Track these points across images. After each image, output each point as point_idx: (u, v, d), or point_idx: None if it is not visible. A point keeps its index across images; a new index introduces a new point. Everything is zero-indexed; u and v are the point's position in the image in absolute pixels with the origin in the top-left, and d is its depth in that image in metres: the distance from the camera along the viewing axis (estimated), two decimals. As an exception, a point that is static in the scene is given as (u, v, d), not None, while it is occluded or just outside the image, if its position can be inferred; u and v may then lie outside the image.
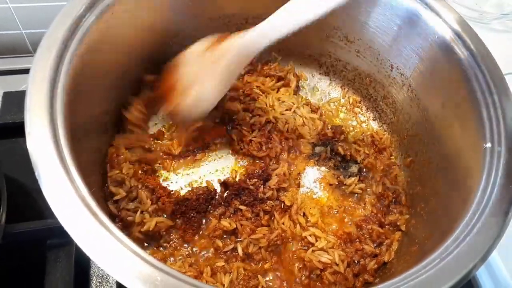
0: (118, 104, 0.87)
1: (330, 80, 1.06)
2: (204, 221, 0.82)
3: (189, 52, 0.85)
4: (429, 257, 0.56)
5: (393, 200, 0.88)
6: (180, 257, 0.79)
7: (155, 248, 0.79)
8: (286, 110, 0.95)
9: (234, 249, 0.79)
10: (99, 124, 0.82)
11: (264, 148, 0.90)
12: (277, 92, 1.00)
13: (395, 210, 0.87)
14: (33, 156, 0.57)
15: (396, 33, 0.84)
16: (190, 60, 0.84)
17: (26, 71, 1.12)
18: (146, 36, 0.86)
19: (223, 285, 0.75)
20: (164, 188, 0.83)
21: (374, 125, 1.01)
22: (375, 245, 0.82)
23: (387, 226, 0.85)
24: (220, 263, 0.77)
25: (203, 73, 0.82)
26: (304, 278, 0.80)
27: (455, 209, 0.65)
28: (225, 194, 0.86)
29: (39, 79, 0.62)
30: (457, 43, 0.76)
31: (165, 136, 0.93)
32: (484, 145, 0.66)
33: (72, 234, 0.53)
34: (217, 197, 0.85)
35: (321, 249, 0.80)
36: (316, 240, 0.81)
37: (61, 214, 0.54)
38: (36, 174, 0.56)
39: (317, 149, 0.94)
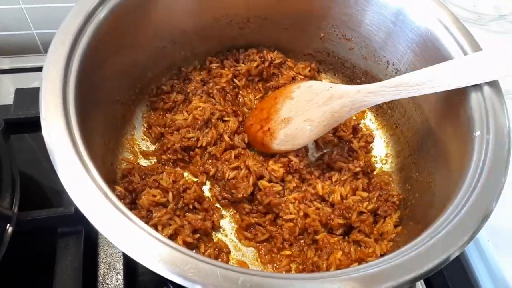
0: (127, 93, 0.90)
1: (329, 78, 1.09)
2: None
3: (296, 86, 0.86)
4: (421, 235, 0.59)
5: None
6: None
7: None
8: None
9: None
10: (107, 111, 0.85)
11: None
12: None
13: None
14: (47, 141, 0.60)
15: (391, 30, 0.87)
16: (296, 94, 0.84)
17: (37, 69, 1.17)
18: (149, 33, 0.89)
19: None
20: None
21: (371, 121, 1.04)
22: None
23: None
24: None
25: (310, 110, 0.81)
26: None
27: (447, 192, 0.68)
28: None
29: (53, 70, 0.65)
30: (447, 39, 0.79)
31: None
32: (474, 133, 0.69)
33: (86, 213, 0.56)
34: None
35: None
36: None
37: (76, 196, 0.57)
38: (51, 158, 0.59)
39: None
